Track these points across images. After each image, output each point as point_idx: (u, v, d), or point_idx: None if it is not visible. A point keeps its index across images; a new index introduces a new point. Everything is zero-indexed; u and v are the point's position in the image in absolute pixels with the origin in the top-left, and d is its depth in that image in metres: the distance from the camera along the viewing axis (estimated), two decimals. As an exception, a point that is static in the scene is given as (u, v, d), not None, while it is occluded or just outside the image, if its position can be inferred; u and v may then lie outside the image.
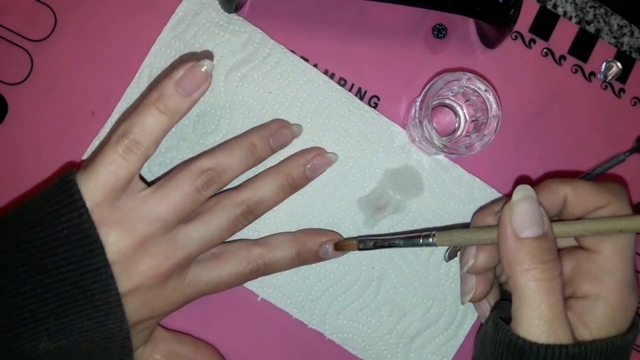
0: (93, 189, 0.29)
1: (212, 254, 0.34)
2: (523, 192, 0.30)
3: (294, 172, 0.35)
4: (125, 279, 0.30)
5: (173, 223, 0.31)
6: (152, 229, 0.30)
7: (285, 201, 0.37)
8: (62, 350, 0.29)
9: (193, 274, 0.33)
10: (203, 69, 0.30)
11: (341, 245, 0.36)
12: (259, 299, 0.37)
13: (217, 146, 0.35)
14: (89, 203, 0.29)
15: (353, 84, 0.39)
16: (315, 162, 0.36)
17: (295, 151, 0.37)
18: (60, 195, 0.29)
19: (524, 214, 0.29)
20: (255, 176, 0.35)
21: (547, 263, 0.29)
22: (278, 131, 0.36)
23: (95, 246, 0.28)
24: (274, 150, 0.36)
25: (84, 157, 0.37)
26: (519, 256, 0.29)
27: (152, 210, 0.30)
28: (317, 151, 0.37)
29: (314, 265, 0.37)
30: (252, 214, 0.34)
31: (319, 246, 0.36)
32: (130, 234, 0.30)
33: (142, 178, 0.33)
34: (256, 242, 0.35)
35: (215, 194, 0.33)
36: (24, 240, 0.29)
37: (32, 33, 0.37)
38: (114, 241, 0.29)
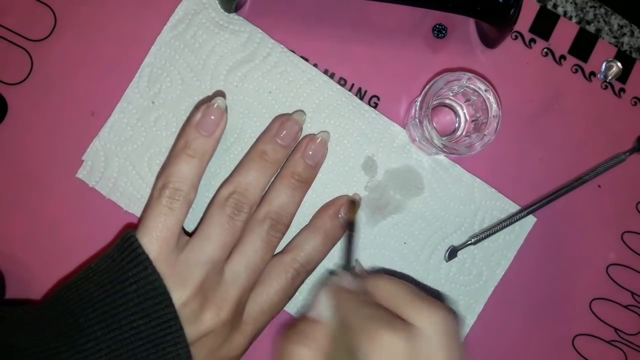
0: (147, 242, 0.30)
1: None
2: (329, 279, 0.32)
3: (296, 168, 0.35)
4: (192, 330, 0.30)
5: (221, 260, 0.32)
6: (204, 273, 0.31)
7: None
8: None
9: (246, 310, 0.33)
10: (216, 106, 0.33)
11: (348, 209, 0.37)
12: (259, 299, 0.37)
13: (232, 171, 0.36)
14: (150, 257, 0.30)
15: (353, 84, 0.39)
16: (309, 148, 0.36)
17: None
18: (124, 252, 0.30)
19: (313, 297, 0.32)
20: (268, 189, 0.35)
21: (308, 339, 0.29)
22: (281, 127, 0.35)
23: (164, 297, 0.30)
24: (287, 147, 0.35)
25: (84, 157, 0.37)
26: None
27: (200, 255, 0.31)
28: (309, 139, 0.36)
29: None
30: (280, 223, 0.34)
31: (336, 218, 0.36)
32: (187, 285, 0.30)
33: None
34: (283, 252, 0.36)
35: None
36: (96, 299, 0.30)
37: (32, 33, 0.37)
38: (176, 295, 0.30)
